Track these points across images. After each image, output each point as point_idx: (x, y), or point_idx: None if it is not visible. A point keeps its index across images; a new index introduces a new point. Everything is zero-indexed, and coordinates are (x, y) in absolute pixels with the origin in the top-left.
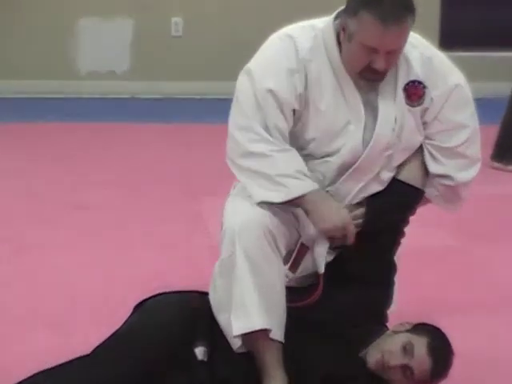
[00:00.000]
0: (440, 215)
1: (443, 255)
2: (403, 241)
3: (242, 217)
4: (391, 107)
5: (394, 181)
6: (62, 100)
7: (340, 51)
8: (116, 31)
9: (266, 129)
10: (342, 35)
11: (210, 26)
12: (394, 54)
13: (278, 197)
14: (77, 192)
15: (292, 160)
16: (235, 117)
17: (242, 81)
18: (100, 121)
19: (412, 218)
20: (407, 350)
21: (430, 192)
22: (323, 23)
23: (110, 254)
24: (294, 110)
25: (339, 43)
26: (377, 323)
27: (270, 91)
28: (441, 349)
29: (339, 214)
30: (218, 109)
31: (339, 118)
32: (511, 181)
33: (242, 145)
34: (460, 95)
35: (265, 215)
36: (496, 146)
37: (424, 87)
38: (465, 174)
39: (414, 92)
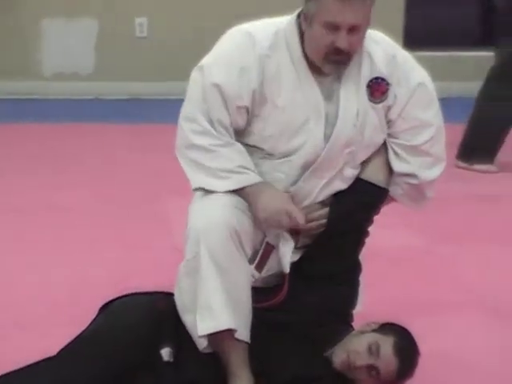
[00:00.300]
0: (405, 216)
1: (409, 256)
2: (369, 241)
3: (207, 217)
4: (353, 103)
5: (358, 180)
6: (27, 101)
7: (303, 48)
8: (80, 32)
9: (210, 122)
10: (304, 25)
11: (175, 27)
12: (355, 32)
13: (218, 186)
14: (41, 194)
15: (234, 155)
16: (184, 106)
17: (194, 72)
18: (65, 122)
19: (377, 219)
20: (373, 350)
21: (394, 191)
22: (286, 20)
23: (75, 255)
24: (246, 108)
25: (302, 40)
26: (342, 323)
27: (217, 85)
28: (407, 349)
29: (277, 201)
30: None
31: (298, 114)
32: (476, 180)
33: (187, 135)
34: (424, 93)
35: (230, 215)
36: (461, 145)
37: (387, 84)
38: (429, 172)
39: (377, 88)
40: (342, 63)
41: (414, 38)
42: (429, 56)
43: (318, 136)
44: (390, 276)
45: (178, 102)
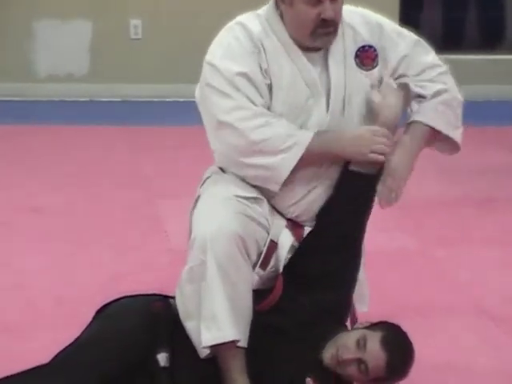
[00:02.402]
0: (400, 219)
1: (404, 258)
2: (364, 243)
3: (215, 225)
4: (342, 75)
5: (349, 172)
6: (20, 103)
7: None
8: (74, 34)
9: (255, 105)
10: (283, 8)
11: (170, 29)
12: (337, 0)
13: (296, 154)
14: (33, 195)
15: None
16: (220, 105)
17: (210, 75)
18: (59, 124)
19: (373, 223)
20: (361, 344)
21: (432, 115)
22: (264, 10)
23: (68, 258)
24: (269, 86)
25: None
26: (337, 323)
27: (241, 74)
28: (396, 344)
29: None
30: (178, 111)
31: (300, 92)
32: (472, 184)
33: (239, 128)
34: (423, 46)
35: (236, 222)
36: None
37: (375, 50)
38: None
39: (367, 56)
40: (332, 33)
41: None
42: None
43: (322, 112)
44: (384, 278)
45: (173, 104)
